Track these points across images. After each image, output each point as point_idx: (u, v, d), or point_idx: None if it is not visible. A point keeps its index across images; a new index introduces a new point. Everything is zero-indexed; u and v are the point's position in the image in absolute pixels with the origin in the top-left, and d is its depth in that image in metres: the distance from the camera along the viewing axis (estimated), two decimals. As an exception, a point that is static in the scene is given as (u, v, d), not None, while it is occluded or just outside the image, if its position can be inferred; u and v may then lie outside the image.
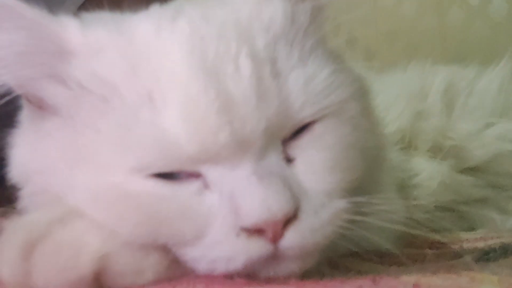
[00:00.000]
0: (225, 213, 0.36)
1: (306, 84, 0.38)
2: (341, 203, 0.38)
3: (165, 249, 0.38)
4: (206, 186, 0.37)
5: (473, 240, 0.54)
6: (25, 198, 0.42)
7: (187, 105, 0.36)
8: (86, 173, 0.37)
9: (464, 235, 0.57)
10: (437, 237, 0.53)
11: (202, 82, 0.36)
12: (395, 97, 0.65)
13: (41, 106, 0.41)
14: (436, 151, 0.62)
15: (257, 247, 0.36)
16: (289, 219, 0.36)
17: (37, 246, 0.36)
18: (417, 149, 0.62)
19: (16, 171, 0.43)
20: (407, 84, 0.67)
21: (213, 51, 0.37)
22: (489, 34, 1.34)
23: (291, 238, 0.36)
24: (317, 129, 0.39)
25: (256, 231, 0.36)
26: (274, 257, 0.36)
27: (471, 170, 0.62)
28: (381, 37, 1.44)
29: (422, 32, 1.41)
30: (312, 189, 0.38)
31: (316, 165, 0.38)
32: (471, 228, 0.61)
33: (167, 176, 0.37)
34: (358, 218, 0.39)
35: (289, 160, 0.38)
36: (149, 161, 0.36)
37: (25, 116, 0.43)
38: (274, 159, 0.38)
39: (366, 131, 0.41)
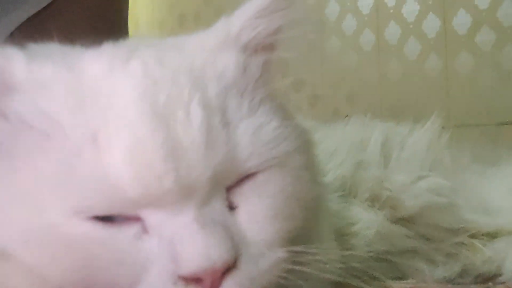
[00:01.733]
0: (163, 259, 0.36)
1: (254, 135, 0.39)
2: (280, 253, 0.39)
3: None
4: (144, 230, 0.37)
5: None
6: None
7: (133, 149, 0.36)
8: (19, 212, 0.36)
9: (395, 284, 0.60)
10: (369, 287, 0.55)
11: (150, 126, 0.36)
12: (336, 146, 0.68)
13: None
14: (374, 200, 0.64)
15: None
16: (228, 269, 0.36)
17: None
18: (356, 197, 0.64)
19: None
20: (348, 135, 0.70)
21: (164, 96, 0.37)
22: (424, 88, 1.42)
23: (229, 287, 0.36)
24: (260, 178, 0.39)
25: (194, 280, 0.35)
26: None
27: (404, 221, 0.65)
28: (326, 84, 1.50)
29: (363, 82, 1.47)
30: (252, 238, 0.38)
31: (257, 214, 0.39)
32: (401, 278, 0.64)
33: (105, 219, 0.36)
34: (296, 267, 0.39)
35: (231, 207, 0.39)
36: (89, 203, 0.35)
37: None
38: (218, 206, 0.38)
39: (307, 182, 0.42)
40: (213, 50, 0.42)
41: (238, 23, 0.43)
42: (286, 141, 0.41)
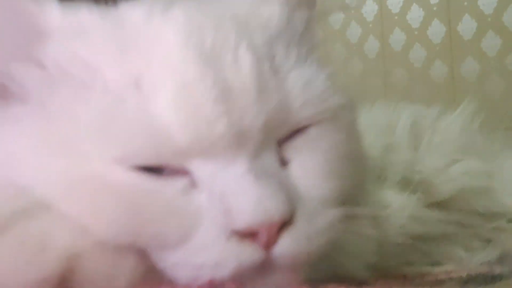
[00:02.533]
0: (215, 214, 0.33)
1: (305, 85, 0.37)
2: (336, 212, 0.36)
3: (140, 253, 0.34)
4: (193, 184, 0.34)
5: (444, 273, 0.54)
6: None
7: (181, 92, 0.33)
8: (60, 162, 0.34)
9: (434, 270, 0.56)
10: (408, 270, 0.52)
11: (198, 68, 0.34)
12: (362, 129, 0.65)
13: (2, 94, 0.37)
14: (405, 184, 0.61)
15: (249, 253, 0.33)
16: (284, 224, 0.33)
17: None
18: (387, 180, 0.61)
19: None
20: (374, 119, 0.68)
21: (210, 40, 0.36)
22: (430, 95, 1.41)
23: (286, 245, 0.33)
24: (312, 133, 0.37)
25: (248, 235, 0.33)
26: (264, 266, 0.33)
27: (438, 206, 0.62)
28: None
29: (368, 89, 1.46)
30: (306, 195, 0.36)
31: (311, 170, 0.36)
32: (438, 264, 0.60)
33: (151, 170, 0.34)
34: (352, 228, 0.37)
35: (283, 162, 0.36)
36: (135, 150, 0.33)
37: None
38: (269, 159, 0.35)
39: (357, 140, 0.41)
40: (255, 2, 0.40)
41: None
42: (336, 95, 0.39)
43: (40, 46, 0.36)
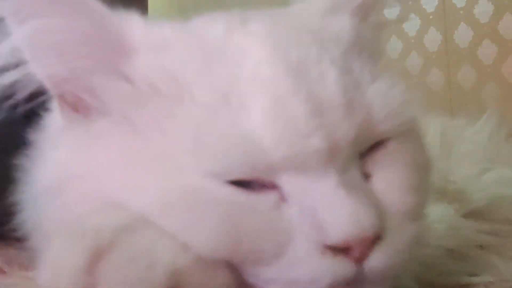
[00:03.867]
0: (307, 229, 0.33)
1: (385, 98, 0.37)
2: (417, 225, 0.36)
3: (232, 268, 0.33)
4: (282, 198, 0.34)
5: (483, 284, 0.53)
6: (57, 210, 0.36)
7: (275, 106, 0.33)
8: (155, 177, 0.34)
9: (474, 279, 0.56)
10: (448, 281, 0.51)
11: (290, 81, 0.34)
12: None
13: (76, 108, 0.37)
14: (441, 194, 0.61)
15: (343, 268, 0.33)
16: (377, 239, 0.33)
17: (104, 256, 0.30)
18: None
19: (47, 178, 0.37)
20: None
21: (295, 54, 0.35)
22: (427, 102, 1.42)
23: (377, 259, 0.33)
24: (392, 145, 0.37)
25: (342, 250, 0.32)
26: (355, 280, 0.33)
27: (472, 215, 0.62)
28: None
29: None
30: (390, 209, 0.35)
31: (394, 184, 0.36)
32: (473, 274, 0.60)
33: (241, 184, 0.33)
34: (426, 243, 0.37)
35: (365, 176, 0.36)
36: (230, 165, 0.33)
37: (55, 118, 0.39)
38: (355, 173, 0.35)
39: (427, 152, 0.41)
40: (325, 14, 0.40)
41: None
42: (411, 107, 0.38)
43: (126, 60, 0.36)
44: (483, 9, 1.38)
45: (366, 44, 0.40)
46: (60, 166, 0.37)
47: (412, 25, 1.45)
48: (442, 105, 1.40)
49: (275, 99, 0.33)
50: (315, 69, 0.35)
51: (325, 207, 0.33)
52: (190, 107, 0.34)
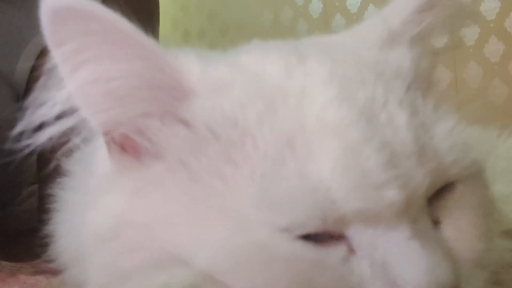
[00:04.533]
0: (379, 283, 0.31)
1: (452, 139, 0.35)
2: (485, 274, 0.35)
3: None
4: (351, 251, 0.32)
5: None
6: (109, 254, 0.34)
7: (346, 155, 0.31)
8: (220, 229, 0.31)
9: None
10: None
11: (361, 128, 0.32)
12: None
13: (124, 148, 0.35)
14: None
15: None
16: None
17: None
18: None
19: (99, 224, 0.35)
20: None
21: (361, 95, 0.33)
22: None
23: None
24: (460, 189, 0.35)
25: None
26: None
27: (507, 234, 0.61)
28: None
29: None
30: (461, 257, 0.34)
31: (464, 230, 0.35)
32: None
33: (309, 237, 0.31)
34: None
35: (434, 222, 0.34)
36: (301, 220, 0.31)
37: (105, 159, 0.36)
38: (425, 222, 0.33)
39: (491, 196, 0.39)
40: (381, 47, 0.38)
41: (399, 18, 0.39)
42: (474, 146, 0.36)
43: (183, 103, 0.34)
44: (490, 6, 1.36)
45: (425, 76, 0.38)
46: (115, 213, 0.35)
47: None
48: (449, 102, 1.40)
49: (345, 146, 0.31)
50: (384, 112, 0.33)
51: (398, 261, 0.31)
52: (252, 154, 0.32)
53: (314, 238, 0.32)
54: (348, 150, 0.31)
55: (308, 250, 0.31)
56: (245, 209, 0.31)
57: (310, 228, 0.31)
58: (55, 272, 0.43)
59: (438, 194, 0.35)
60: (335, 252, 0.32)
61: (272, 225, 0.31)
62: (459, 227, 0.35)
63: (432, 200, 0.34)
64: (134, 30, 0.32)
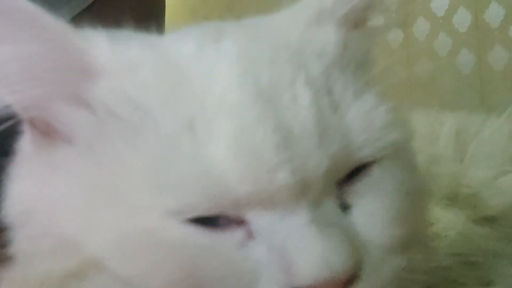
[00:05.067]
0: (274, 269, 0.30)
1: (367, 119, 0.34)
2: (400, 260, 0.33)
3: None
4: (250, 235, 0.31)
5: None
6: (21, 241, 0.34)
7: (240, 137, 0.30)
8: (110, 214, 0.31)
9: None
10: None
11: (258, 110, 0.31)
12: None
13: (47, 133, 0.34)
14: (453, 199, 0.58)
15: None
16: (352, 279, 0.31)
17: None
18: (432, 195, 0.58)
19: (13, 209, 0.35)
20: (415, 127, 0.64)
21: (266, 76, 0.32)
22: (457, 85, 1.36)
23: None
24: (375, 171, 0.34)
25: None
26: None
27: (487, 221, 0.58)
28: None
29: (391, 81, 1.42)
30: (371, 243, 0.32)
31: (376, 215, 0.33)
32: (487, 284, 0.57)
33: (206, 221, 0.31)
34: (412, 276, 0.34)
35: (344, 207, 0.33)
36: (191, 202, 0.30)
37: (27, 143, 0.36)
38: (331, 206, 0.32)
39: (420, 175, 0.37)
40: (308, 26, 0.36)
41: None
42: (398, 127, 0.35)
43: (88, 85, 0.33)
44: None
45: (354, 56, 0.36)
46: (23, 200, 0.35)
47: (440, 5, 1.39)
48: (473, 87, 1.35)
49: (240, 129, 0.31)
50: (287, 93, 0.32)
51: (294, 247, 0.30)
52: (152, 137, 0.31)
53: (212, 222, 0.31)
54: (242, 132, 0.31)
55: (200, 235, 0.31)
56: (136, 193, 0.31)
57: (202, 212, 0.31)
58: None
59: (353, 177, 0.34)
60: (231, 236, 0.31)
61: (162, 208, 0.31)
62: (371, 211, 0.33)
63: (344, 184, 0.34)
64: (36, 11, 0.32)
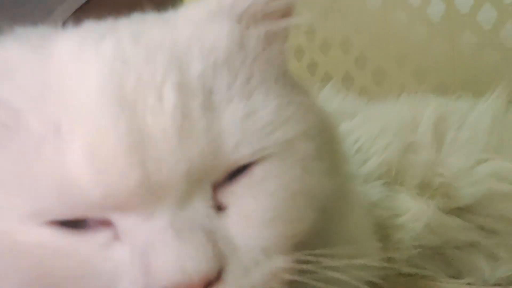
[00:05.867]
0: (135, 271, 0.31)
1: (244, 120, 0.33)
2: (279, 262, 0.33)
3: None
4: (116, 236, 0.32)
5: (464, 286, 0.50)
6: None
7: (93, 141, 0.31)
8: None
9: (449, 284, 0.53)
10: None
11: (112, 114, 0.31)
12: (382, 127, 0.60)
13: None
14: (424, 188, 0.57)
15: None
16: (211, 282, 0.31)
17: None
18: (403, 184, 0.57)
19: None
20: (397, 114, 0.63)
21: (134, 78, 0.32)
22: (501, 60, 1.29)
23: None
24: (256, 171, 0.33)
25: None
26: None
27: (460, 211, 0.57)
28: (391, 59, 1.40)
29: (432, 56, 1.36)
30: (245, 245, 0.32)
31: (252, 216, 0.33)
32: (457, 275, 0.56)
33: (70, 223, 0.31)
34: (302, 278, 0.33)
35: (220, 208, 0.33)
36: (45, 206, 0.31)
37: None
38: (200, 207, 0.32)
39: (320, 174, 0.35)
40: (202, 22, 0.36)
41: None
42: (288, 125, 0.34)
43: None
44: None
45: (249, 56, 0.36)
46: None
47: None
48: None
49: (94, 133, 0.30)
50: (153, 96, 0.31)
51: (152, 249, 0.30)
52: (20, 140, 0.31)
53: (78, 224, 0.31)
54: (96, 136, 0.31)
55: (58, 237, 0.31)
56: (1, 196, 0.31)
57: (59, 215, 0.31)
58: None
59: (232, 178, 0.33)
60: (95, 238, 0.31)
61: (18, 211, 0.31)
62: (246, 213, 0.33)
63: (222, 185, 0.33)
64: None
